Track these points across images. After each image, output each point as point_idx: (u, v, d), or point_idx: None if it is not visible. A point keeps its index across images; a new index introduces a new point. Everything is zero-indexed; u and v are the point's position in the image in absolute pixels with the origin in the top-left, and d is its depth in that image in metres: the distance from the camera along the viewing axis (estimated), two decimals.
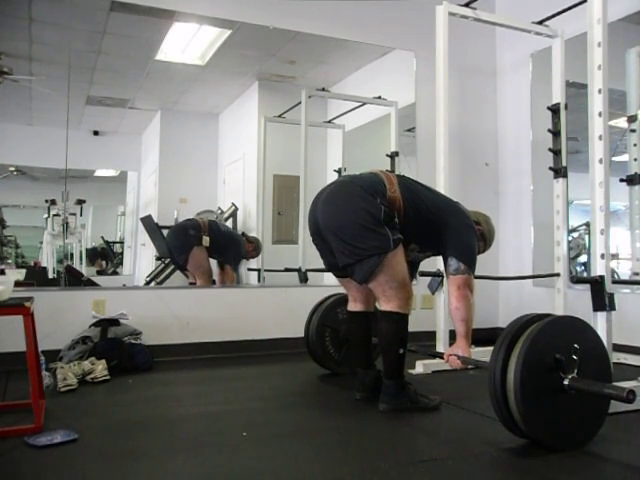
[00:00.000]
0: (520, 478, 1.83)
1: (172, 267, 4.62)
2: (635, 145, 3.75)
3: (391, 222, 2.40)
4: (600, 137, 2.46)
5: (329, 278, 4.35)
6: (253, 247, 4.66)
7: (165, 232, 4.65)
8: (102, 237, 5.23)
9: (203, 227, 4.46)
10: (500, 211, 4.75)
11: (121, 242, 5.34)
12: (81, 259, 4.99)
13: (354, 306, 2.75)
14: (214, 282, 4.49)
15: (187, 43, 4.45)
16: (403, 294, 2.45)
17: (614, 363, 2.44)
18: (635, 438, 2.20)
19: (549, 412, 1.94)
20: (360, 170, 2.66)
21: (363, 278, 2.44)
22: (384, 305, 2.47)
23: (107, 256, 5.25)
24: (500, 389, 1.94)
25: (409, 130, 4.68)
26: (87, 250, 5.05)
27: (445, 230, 2.54)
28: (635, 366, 3.33)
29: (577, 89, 3.63)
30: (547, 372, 1.94)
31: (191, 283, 4.45)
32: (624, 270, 4.02)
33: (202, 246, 4.40)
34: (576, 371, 1.95)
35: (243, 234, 4.76)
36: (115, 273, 5.20)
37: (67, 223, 4.49)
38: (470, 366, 2.60)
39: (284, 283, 4.41)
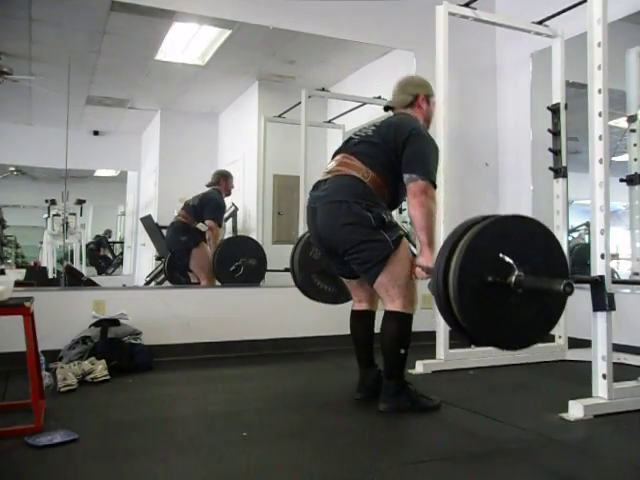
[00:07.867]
0: (520, 478, 1.83)
1: None
2: (635, 145, 3.76)
3: (384, 223, 2.41)
4: (600, 137, 2.46)
5: None
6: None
7: (165, 232, 4.64)
8: (102, 235, 5.24)
9: (186, 219, 4.44)
10: (500, 211, 4.74)
11: (121, 242, 5.34)
12: (81, 259, 4.99)
13: (359, 305, 2.76)
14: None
15: (187, 43, 4.46)
16: (407, 293, 2.46)
17: (614, 363, 2.45)
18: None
19: (489, 310, 1.96)
20: None
21: (370, 283, 2.51)
22: (389, 305, 2.48)
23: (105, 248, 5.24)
24: (443, 293, 1.95)
25: None
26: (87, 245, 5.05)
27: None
28: (635, 366, 3.32)
29: (577, 89, 3.63)
30: (491, 272, 1.93)
31: (194, 283, 4.45)
32: (624, 270, 4.02)
33: (200, 247, 4.40)
34: (521, 270, 1.93)
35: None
36: (119, 265, 5.18)
37: (67, 223, 4.49)
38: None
39: (284, 283, 4.39)
